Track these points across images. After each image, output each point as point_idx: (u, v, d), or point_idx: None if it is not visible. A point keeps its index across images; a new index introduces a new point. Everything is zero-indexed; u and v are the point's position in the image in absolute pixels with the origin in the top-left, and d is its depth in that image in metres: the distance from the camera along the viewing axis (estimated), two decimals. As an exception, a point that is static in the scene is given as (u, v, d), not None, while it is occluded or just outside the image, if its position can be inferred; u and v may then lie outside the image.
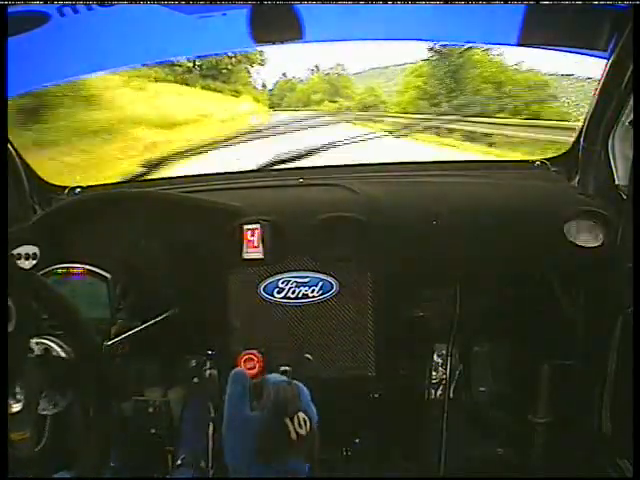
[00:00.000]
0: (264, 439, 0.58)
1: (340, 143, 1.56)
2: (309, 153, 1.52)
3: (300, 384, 0.65)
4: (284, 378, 0.65)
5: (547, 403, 1.40)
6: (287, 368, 0.97)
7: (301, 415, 0.60)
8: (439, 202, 1.30)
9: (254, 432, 0.58)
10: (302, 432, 0.59)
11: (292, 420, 0.59)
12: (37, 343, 0.90)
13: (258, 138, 1.61)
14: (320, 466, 0.62)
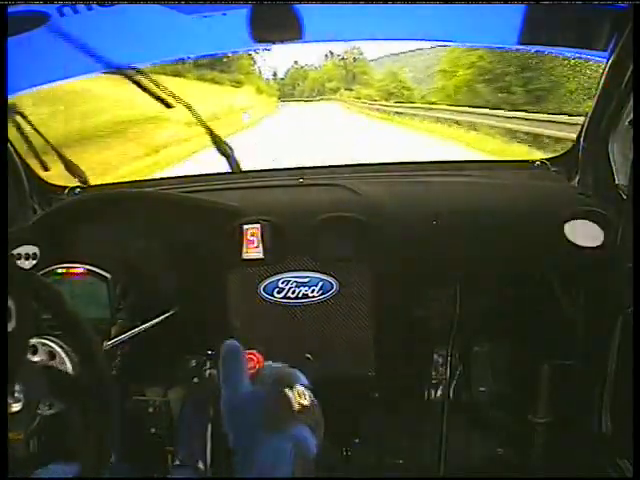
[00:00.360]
0: (268, 410, 0.58)
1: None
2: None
3: (296, 370, 0.66)
4: (279, 364, 0.66)
5: (547, 403, 1.40)
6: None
7: (300, 387, 0.60)
8: (439, 202, 1.30)
9: (257, 405, 0.58)
10: (304, 402, 0.59)
11: (292, 391, 0.59)
12: (43, 345, 0.90)
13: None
14: (320, 465, 0.62)
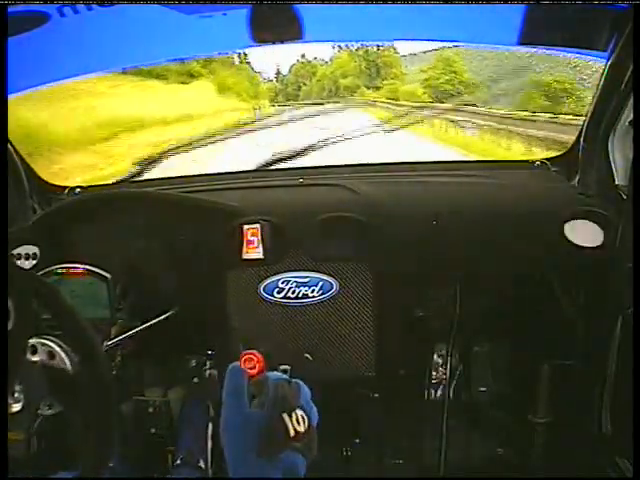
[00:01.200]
0: (263, 436, 0.58)
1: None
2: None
3: (300, 382, 0.66)
4: (284, 376, 0.66)
5: (547, 403, 1.40)
6: (287, 367, 0.98)
7: (299, 412, 0.60)
8: (439, 202, 1.30)
9: (253, 430, 0.59)
10: (300, 429, 0.59)
11: (290, 417, 0.59)
12: (42, 345, 0.90)
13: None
14: (320, 465, 0.62)
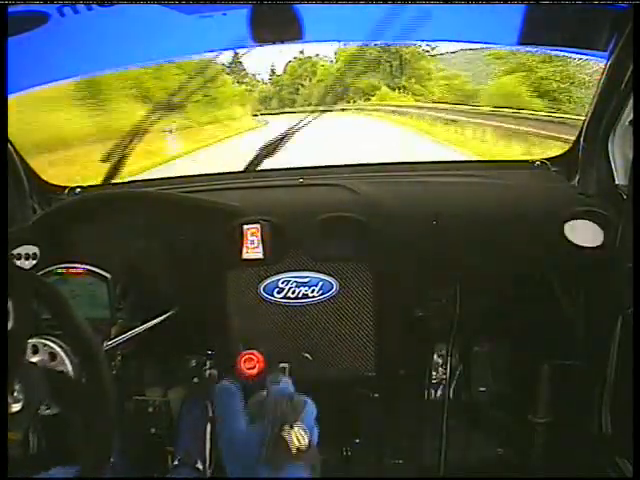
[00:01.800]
0: (263, 452, 0.57)
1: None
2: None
3: (308, 400, 0.63)
4: (288, 390, 0.64)
5: (547, 403, 1.40)
6: (285, 365, 0.97)
7: (300, 426, 0.59)
8: (439, 202, 1.30)
9: (253, 447, 0.57)
10: (302, 444, 0.58)
11: (290, 433, 0.58)
12: (43, 345, 0.90)
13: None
14: (320, 465, 0.62)
